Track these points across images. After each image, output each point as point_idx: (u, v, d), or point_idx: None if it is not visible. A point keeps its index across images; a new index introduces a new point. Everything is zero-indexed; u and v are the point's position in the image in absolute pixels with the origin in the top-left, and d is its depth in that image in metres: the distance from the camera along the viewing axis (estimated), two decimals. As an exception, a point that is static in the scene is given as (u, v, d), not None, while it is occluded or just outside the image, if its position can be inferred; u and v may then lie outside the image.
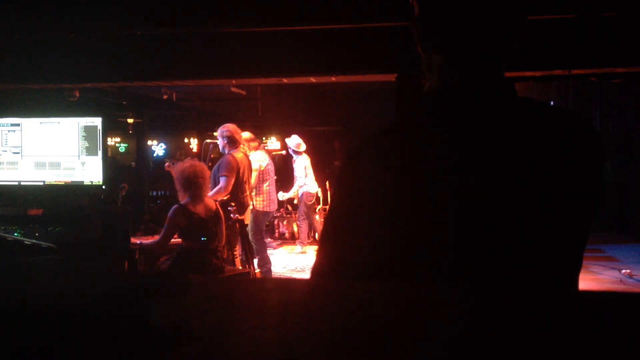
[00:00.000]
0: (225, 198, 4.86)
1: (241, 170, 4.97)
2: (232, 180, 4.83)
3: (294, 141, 7.23)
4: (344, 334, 0.57)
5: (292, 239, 8.30)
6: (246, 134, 5.80)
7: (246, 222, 5.14)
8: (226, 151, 5.02)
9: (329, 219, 0.94)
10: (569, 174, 0.86)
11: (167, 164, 5.35)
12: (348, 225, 0.89)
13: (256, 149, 5.96)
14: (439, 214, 0.84)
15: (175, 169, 4.02)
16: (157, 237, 3.92)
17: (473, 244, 0.83)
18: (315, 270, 0.92)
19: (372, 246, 0.86)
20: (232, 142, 5.04)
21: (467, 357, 0.53)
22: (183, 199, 3.88)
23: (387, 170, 0.86)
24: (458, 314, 0.64)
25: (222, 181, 4.82)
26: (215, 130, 5.29)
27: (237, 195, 4.94)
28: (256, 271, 5.57)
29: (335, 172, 9.00)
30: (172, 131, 14.10)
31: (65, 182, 3.31)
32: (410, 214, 0.84)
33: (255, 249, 5.76)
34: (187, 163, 4.00)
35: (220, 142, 5.06)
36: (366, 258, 0.87)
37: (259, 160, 5.77)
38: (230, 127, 5.09)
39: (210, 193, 4.50)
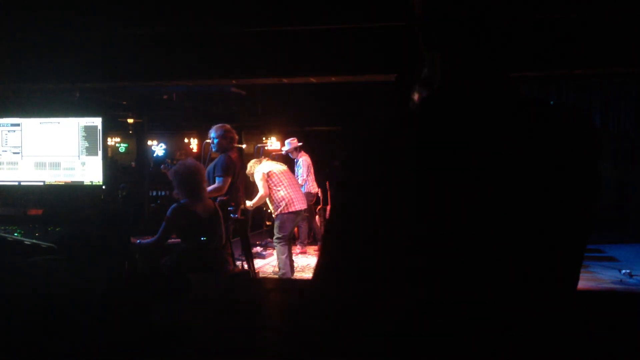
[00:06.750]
0: (224, 198, 4.87)
1: (237, 171, 5.00)
2: (229, 181, 4.85)
3: (292, 142, 7.36)
4: (344, 334, 0.57)
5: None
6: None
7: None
8: (222, 151, 5.02)
9: (331, 219, 0.94)
10: (570, 174, 0.86)
11: (162, 166, 5.39)
12: (350, 226, 0.89)
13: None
14: (440, 214, 0.84)
15: (174, 169, 4.01)
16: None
17: (474, 244, 0.83)
18: (317, 270, 0.92)
19: (374, 247, 0.86)
20: (233, 142, 5.06)
21: (467, 356, 0.53)
22: (182, 199, 3.88)
23: (387, 170, 0.86)
24: (461, 314, 0.64)
25: (218, 181, 4.83)
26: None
27: (233, 194, 4.97)
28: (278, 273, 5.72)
29: (336, 172, 9.04)
30: (172, 131, 14.09)
31: (65, 182, 3.31)
32: (412, 214, 0.84)
33: (276, 252, 5.92)
34: (185, 163, 3.99)
35: (217, 142, 5.02)
36: (368, 259, 0.87)
37: (262, 170, 5.84)
38: (230, 127, 5.11)
39: (208, 189, 4.52)
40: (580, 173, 0.87)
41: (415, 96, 0.96)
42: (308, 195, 7.44)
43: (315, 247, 7.94)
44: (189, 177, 3.83)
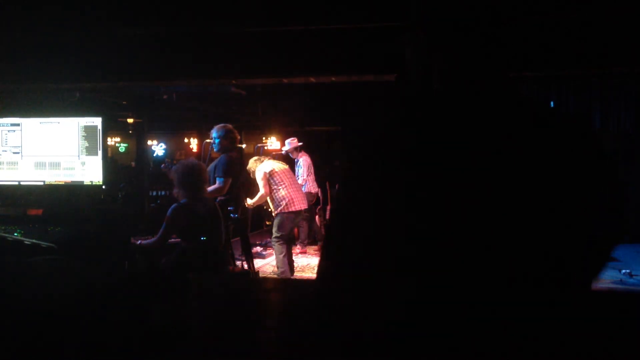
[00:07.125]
0: (224, 197, 4.87)
1: (237, 171, 4.99)
2: (229, 181, 4.84)
3: (292, 142, 7.41)
4: (343, 334, 0.57)
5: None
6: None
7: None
8: (224, 151, 5.00)
9: (333, 220, 0.94)
10: (567, 176, 0.86)
11: (162, 165, 5.40)
12: (351, 227, 0.89)
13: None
14: (441, 215, 0.84)
15: (174, 168, 4.01)
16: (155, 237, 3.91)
17: (475, 245, 0.83)
18: (320, 271, 0.92)
19: (376, 247, 0.86)
20: (235, 142, 5.05)
21: (468, 355, 0.53)
22: (182, 198, 3.87)
23: (389, 171, 0.86)
24: (463, 314, 0.64)
25: (219, 182, 4.82)
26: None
27: (233, 194, 4.96)
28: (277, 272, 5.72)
29: (336, 172, 9.04)
30: (172, 131, 14.09)
31: (65, 182, 3.31)
32: (413, 215, 0.84)
33: (274, 251, 5.93)
34: (186, 162, 3.99)
35: (219, 141, 5.00)
36: (371, 259, 0.87)
37: (264, 169, 5.85)
38: (232, 127, 5.09)
39: (209, 189, 4.52)
40: (579, 175, 0.87)
41: (416, 97, 0.97)
42: (308, 195, 7.45)
43: (316, 247, 7.93)
44: (190, 176, 3.83)
